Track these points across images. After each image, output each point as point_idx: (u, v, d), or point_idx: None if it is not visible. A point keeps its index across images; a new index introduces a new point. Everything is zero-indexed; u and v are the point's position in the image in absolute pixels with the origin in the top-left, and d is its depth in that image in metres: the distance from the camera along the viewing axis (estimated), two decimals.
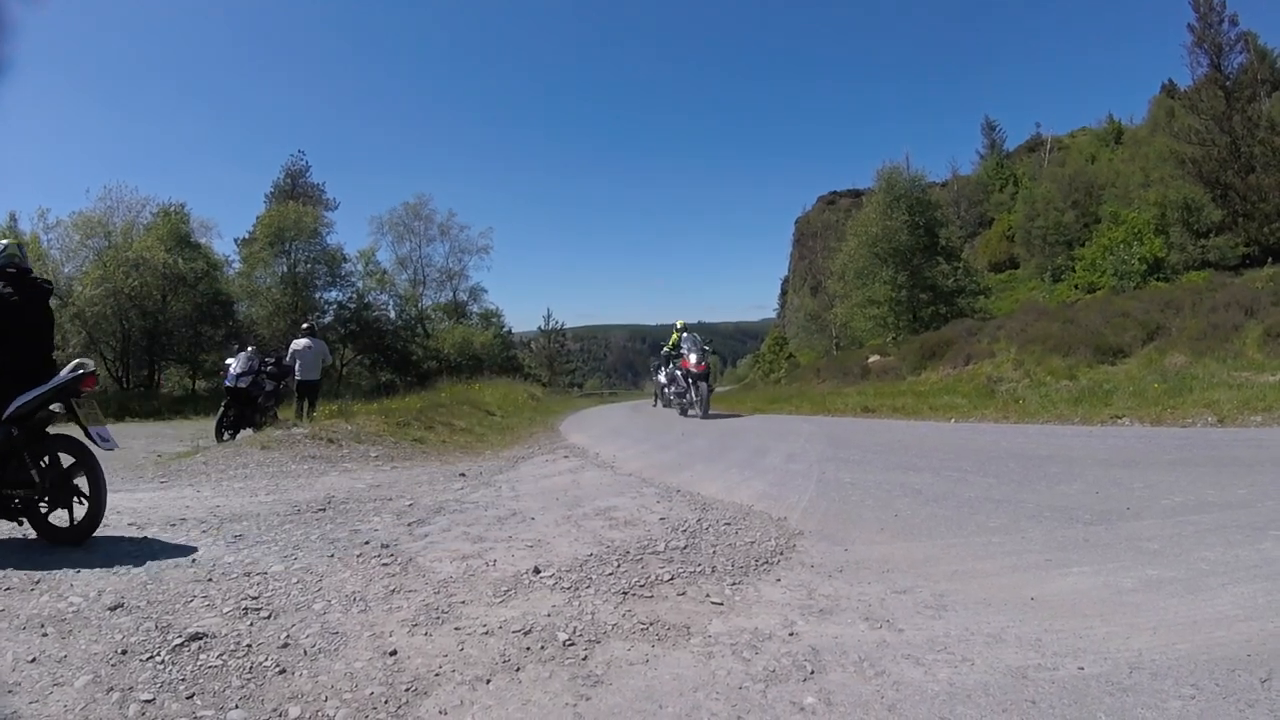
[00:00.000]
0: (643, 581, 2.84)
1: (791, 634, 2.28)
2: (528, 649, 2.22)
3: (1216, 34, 24.27)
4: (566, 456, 7.18)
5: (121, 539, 3.54)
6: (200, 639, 2.27)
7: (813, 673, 2.00)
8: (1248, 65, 24.78)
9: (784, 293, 67.79)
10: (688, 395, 11.36)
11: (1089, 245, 25.16)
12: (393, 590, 2.78)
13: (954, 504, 3.93)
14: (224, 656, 2.17)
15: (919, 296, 23.78)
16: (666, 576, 2.91)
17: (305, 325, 11.15)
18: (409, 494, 4.98)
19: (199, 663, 2.13)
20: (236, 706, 1.89)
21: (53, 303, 3.78)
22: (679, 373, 11.66)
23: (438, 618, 2.48)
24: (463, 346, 29.39)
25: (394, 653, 2.19)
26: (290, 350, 10.50)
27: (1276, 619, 2.16)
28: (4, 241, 3.59)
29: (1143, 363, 10.28)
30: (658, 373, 14.21)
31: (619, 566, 3.05)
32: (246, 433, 8.62)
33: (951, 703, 1.79)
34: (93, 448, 3.47)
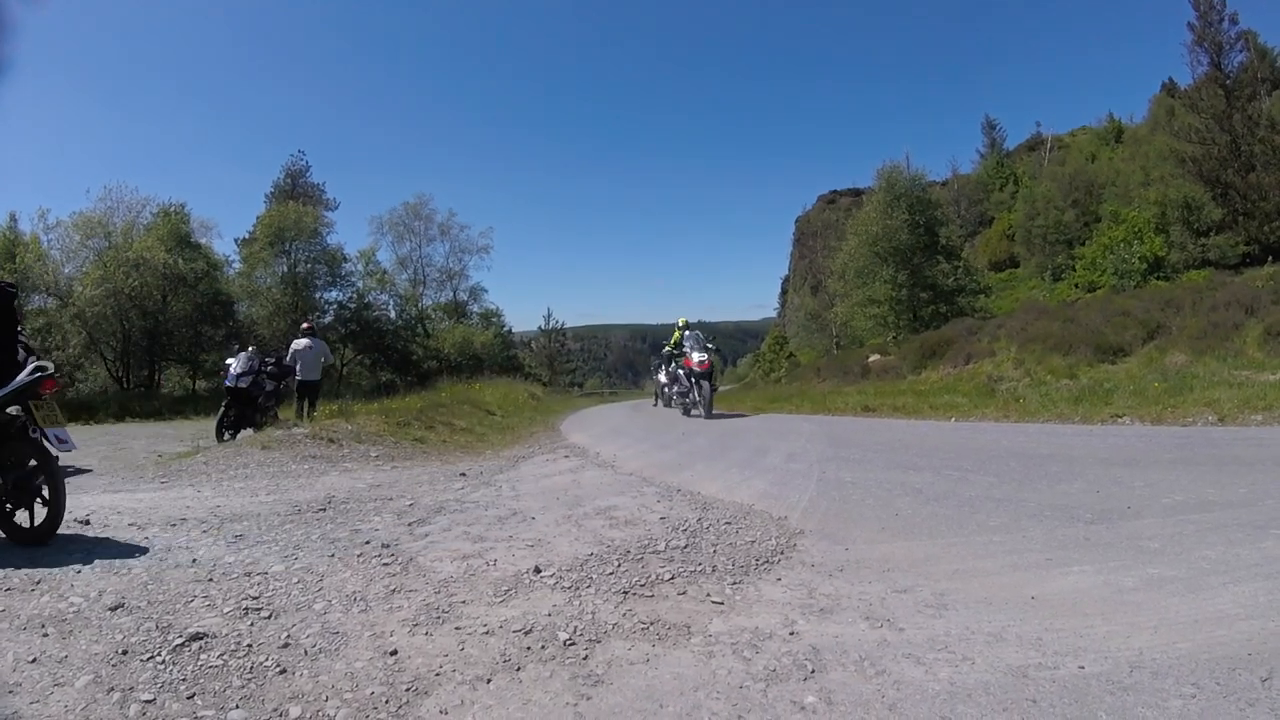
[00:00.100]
0: (643, 581, 2.84)
1: (792, 633, 2.28)
2: (528, 648, 2.22)
3: (1216, 33, 24.24)
4: (567, 456, 7.18)
5: (122, 539, 3.54)
6: (201, 639, 2.27)
7: (813, 672, 2.00)
8: (1248, 64, 24.75)
9: (784, 292, 67.74)
10: (691, 395, 11.18)
11: (1089, 244, 25.17)
12: (393, 590, 2.78)
13: (954, 503, 3.93)
14: (225, 656, 2.17)
15: (919, 295, 23.78)
16: (667, 576, 2.91)
17: (305, 325, 11.14)
18: (409, 494, 4.98)
19: (200, 663, 2.13)
20: (237, 706, 1.89)
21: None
22: (681, 372, 11.49)
23: (438, 617, 2.48)
24: (463, 346, 29.39)
25: (394, 652, 2.19)
26: (290, 350, 10.50)
27: (1277, 618, 2.16)
28: None
29: (1143, 361, 10.27)
30: (658, 372, 14.06)
31: (619, 566, 3.05)
32: (247, 433, 8.62)
33: (952, 702, 1.79)
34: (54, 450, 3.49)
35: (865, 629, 2.29)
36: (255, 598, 2.66)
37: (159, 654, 2.17)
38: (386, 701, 1.90)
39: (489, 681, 2.01)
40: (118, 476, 6.32)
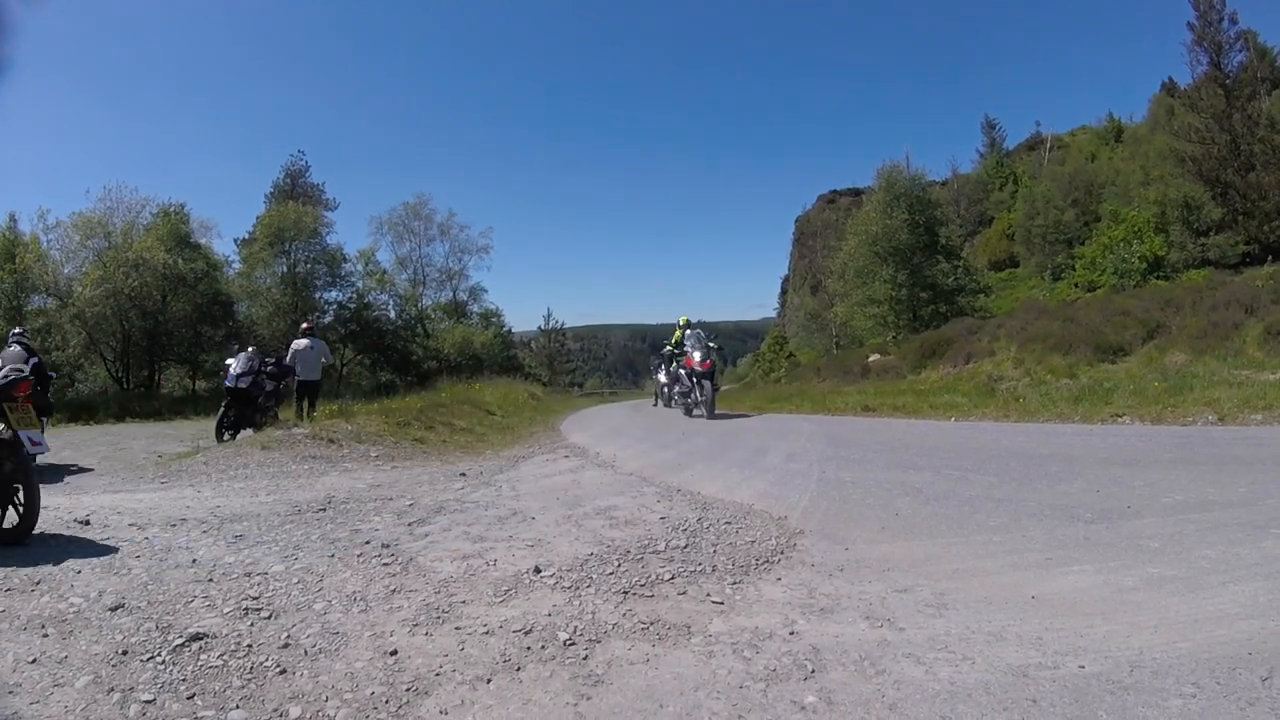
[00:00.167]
0: (643, 581, 2.85)
1: (792, 633, 2.28)
2: (528, 648, 2.22)
3: (1216, 32, 24.24)
4: (567, 456, 7.18)
5: (121, 539, 3.54)
6: (201, 639, 2.27)
7: (813, 672, 2.00)
8: (1247, 63, 24.74)
9: (784, 292, 67.73)
10: (692, 395, 11.06)
11: (1089, 244, 25.15)
12: (393, 590, 2.78)
13: (954, 503, 3.93)
14: (225, 657, 2.17)
15: (919, 295, 23.76)
16: (667, 576, 2.91)
17: (305, 325, 11.15)
18: (409, 494, 4.98)
19: (200, 663, 2.13)
20: (237, 707, 1.89)
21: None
22: (682, 371, 11.37)
23: (438, 617, 2.48)
24: (463, 346, 29.36)
25: (395, 652, 2.19)
26: (290, 350, 10.50)
27: (1277, 617, 2.16)
28: None
29: (1143, 361, 10.27)
30: (659, 371, 13.97)
31: (619, 566, 3.05)
32: (247, 433, 8.61)
33: (952, 701, 1.79)
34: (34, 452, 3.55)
35: (865, 629, 2.29)
36: (255, 598, 2.66)
37: (159, 654, 2.17)
38: (386, 701, 1.90)
39: (489, 681, 2.01)
40: (118, 476, 6.33)
